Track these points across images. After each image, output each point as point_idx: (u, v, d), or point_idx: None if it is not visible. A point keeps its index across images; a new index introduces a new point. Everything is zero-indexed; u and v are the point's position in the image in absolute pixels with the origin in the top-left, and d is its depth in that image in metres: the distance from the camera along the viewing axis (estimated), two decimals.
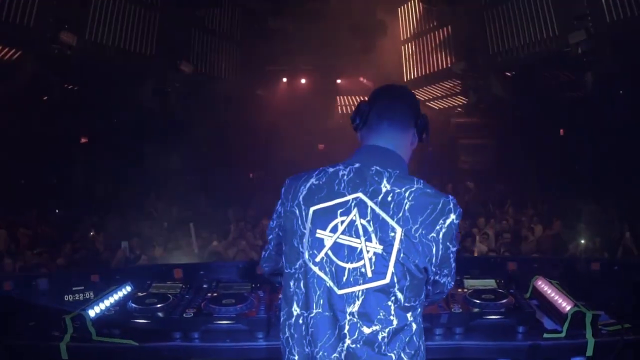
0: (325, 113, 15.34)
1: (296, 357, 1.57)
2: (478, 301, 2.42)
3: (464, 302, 2.43)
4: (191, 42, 12.19)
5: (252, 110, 14.03)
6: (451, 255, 1.57)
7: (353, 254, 1.52)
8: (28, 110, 9.17)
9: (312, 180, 1.61)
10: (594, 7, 8.57)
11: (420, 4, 13.81)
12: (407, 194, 1.51)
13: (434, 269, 1.56)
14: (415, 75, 14.40)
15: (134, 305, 2.50)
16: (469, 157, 13.81)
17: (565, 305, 2.38)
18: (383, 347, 1.48)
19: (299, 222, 1.59)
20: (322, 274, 1.53)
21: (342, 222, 1.53)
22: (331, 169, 1.61)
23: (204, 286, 2.75)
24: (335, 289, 1.51)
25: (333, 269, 1.53)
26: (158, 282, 2.79)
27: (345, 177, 1.57)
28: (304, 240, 1.57)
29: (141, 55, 10.61)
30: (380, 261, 1.49)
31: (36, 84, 8.86)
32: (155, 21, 10.87)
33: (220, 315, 2.38)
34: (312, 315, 1.53)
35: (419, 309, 1.55)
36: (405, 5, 14.60)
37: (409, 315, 1.51)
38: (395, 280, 1.48)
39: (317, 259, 1.54)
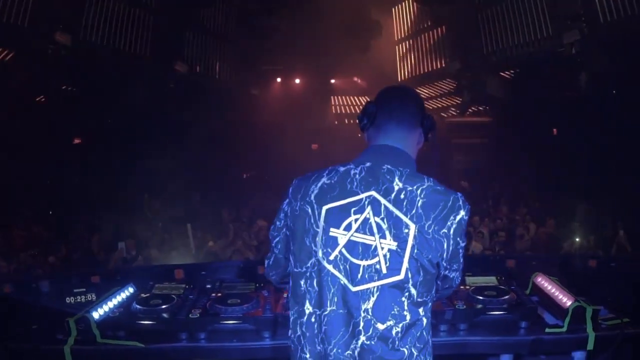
0: (319, 113, 15.33)
1: (308, 355, 1.58)
2: (481, 297, 2.46)
3: (468, 299, 2.46)
4: (186, 42, 12.15)
5: (247, 110, 14.00)
6: (460, 250, 1.61)
7: (367, 251, 1.54)
8: (22, 110, 9.09)
9: (324, 179, 1.62)
10: (588, 8, 8.63)
11: (415, 3, 13.84)
12: (419, 192, 1.54)
13: (444, 264, 1.60)
14: (410, 75, 14.42)
15: (138, 306, 2.49)
16: (463, 156, 13.90)
17: (565, 300, 2.42)
18: (397, 342, 1.50)
19: (312, 220, 1.60)
20: (336, 272, 1.55)
21: (356, 220, 1.55)
22: (342, 168, 1.63)
23: (207, 286, 2.75)
24: (350, 286, 1.53)
25: (347, 266, 1.54)
26: (159, 282, 2.78)
27: (357, 175, 1.59)
28: (317, 238, 1.58)
29: (135, 55, 10.56)
30: (395, 257, 1.52)
31: (30, 84, 8.79)
32: (150, 21, 10.83)
33: (226, 315, 2.39)
34: (325, 313, 1.54)
35: (430, 304, 1.58)
36: (400, 5, 14.62)
37: (420, 310, 1.54)
38: (410, 275, 1.51)
39: (331, 257, 1.56)
